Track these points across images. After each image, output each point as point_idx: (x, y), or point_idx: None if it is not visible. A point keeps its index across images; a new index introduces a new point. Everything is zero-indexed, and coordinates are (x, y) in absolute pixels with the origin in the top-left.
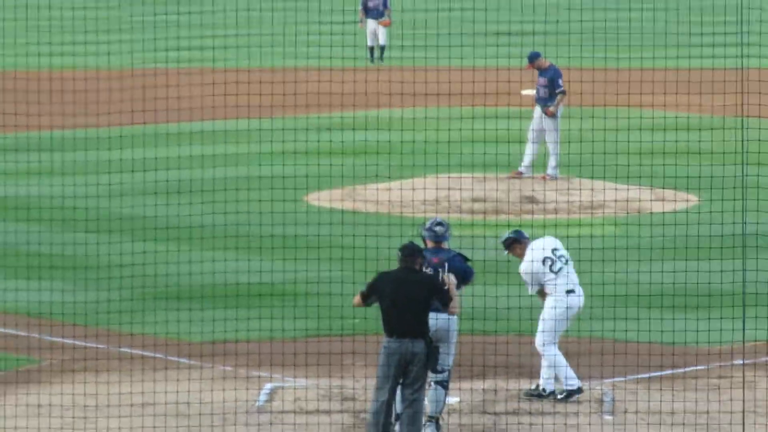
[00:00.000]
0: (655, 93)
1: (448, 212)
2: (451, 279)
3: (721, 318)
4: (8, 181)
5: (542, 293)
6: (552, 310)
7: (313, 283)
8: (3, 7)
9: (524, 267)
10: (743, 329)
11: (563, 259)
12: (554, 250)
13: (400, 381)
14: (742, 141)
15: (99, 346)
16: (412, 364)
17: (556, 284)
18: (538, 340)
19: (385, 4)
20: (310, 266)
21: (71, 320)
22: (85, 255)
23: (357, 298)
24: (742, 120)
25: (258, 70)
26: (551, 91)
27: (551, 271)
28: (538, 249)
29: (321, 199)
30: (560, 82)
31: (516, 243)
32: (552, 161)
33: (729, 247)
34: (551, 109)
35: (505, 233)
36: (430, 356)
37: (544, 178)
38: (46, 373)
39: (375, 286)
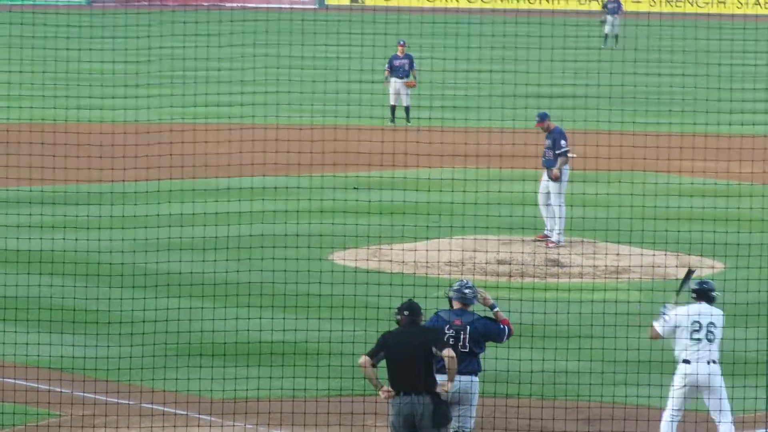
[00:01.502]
0: (683, 159)
1: (473, 274)
2: (449, 353)
3: (745, 386)
4: (34, 234)
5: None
6: (677, 376)
7: (336, 343)
8: (32, 60)
9: (678, 308)
10: (767, 398)
11: (711, 335)
12: (711, 323)
13: None
14: None
15: (121, 401)
16: (420, 421)
17: (686, 350)
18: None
19: (411, 65)
20: (334, 325)
21: (93, 375)
22: (108, 310)
23: (363, 359)
24: None
25: (286, 128)
26: (554, 153)
27: (690, 337)
28: (696, 309)
29: (346, 258)
30: (563, 143)
31: (695, 296)
32: (557, 226)
33: (754, 315)
34: (555, 171)
35: (704, 282)
36: (436, 412)
37: (547, 245)
38: (66, 428)
39: (380, 345)
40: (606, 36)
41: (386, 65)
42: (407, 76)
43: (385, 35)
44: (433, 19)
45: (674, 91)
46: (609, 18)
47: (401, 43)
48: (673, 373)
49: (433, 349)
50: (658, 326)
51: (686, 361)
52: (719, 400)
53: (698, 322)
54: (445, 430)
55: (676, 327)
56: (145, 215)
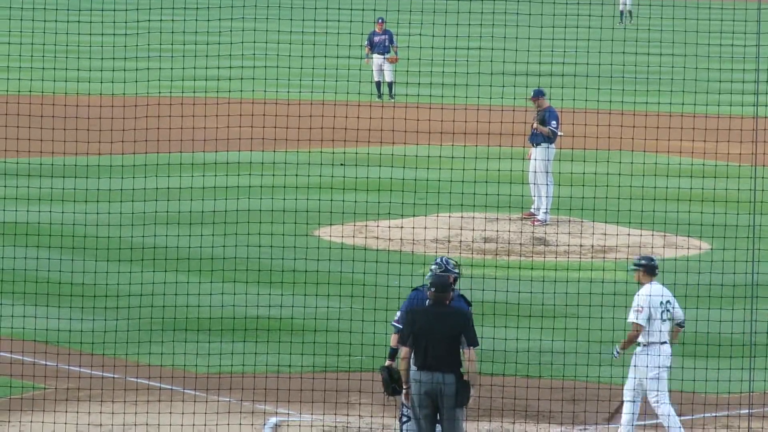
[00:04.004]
0: (671, 138)
1: (459, 251)
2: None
3: (731, 369)
4: (21, 206)
5: (631, 339)
6: (654, 359)
7: (321, 319)
8: (21, 32)
9: (644, 290)
10: (750, 379)
11: (669, 315)
12: (668, 302)
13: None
14: (754, 190)
15: (105, 374)
16: (441, 397)
17: (660, 331)
18: (653, 399)
19: (390, 40)
20: (319, 301)
21: (78, 348)
22: (94, 283)
23: (404, 350)
24: (755, 168)
25: (273, 102)
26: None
27: (661, 317)
28: (660, 290)
29: (332, 234)
30: (553, 123)
31: (644, 270)
32: (544, 205)
33: (740, 297)
34: (542, 127)
35: (642, 257)
36: (459, 391)
37: (533, 223)
38: (50, 401)
39: (408, 324)
40: (621, 13)
41: (366, 42)
42: (388, 52)
43: (374, 11)
44: None
45: (663, 70)
46: None
47: (380, 20)
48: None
49: (462, 338)
50: (636, 319)
51: (664, 343)
52: (666, 380)
53: (664, 302)
54: (466, 409)
55: (652, 311)
56: (131, 189)
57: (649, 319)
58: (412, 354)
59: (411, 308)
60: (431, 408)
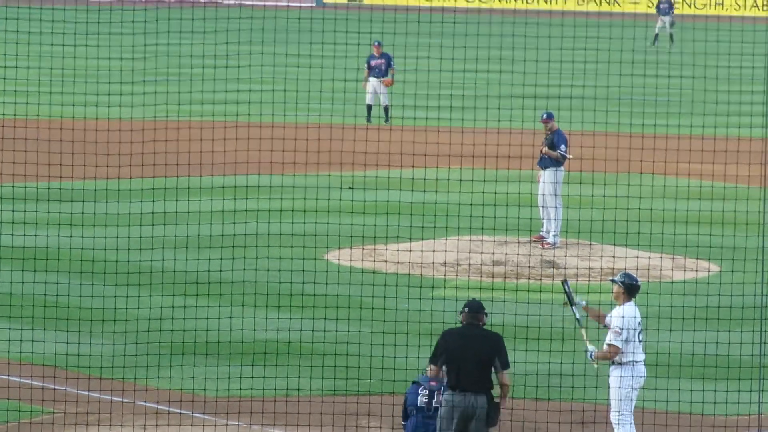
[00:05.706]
0: (679, 161)
1: (469, 275)
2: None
3: (739, 391)
4: (29, 230)
5: (606, 357)
6: (626, 378)
7: (331, 343)
8: (29, 56)
9: (620, 312)
10: (759, 401)
11: (644, 334)
12: (640, 322)
13: None
14: (763, 212)
15: (115, 399)
16: (473, 419)
17: (634, 352)
18: (614, 417)
19: (389, 64)
20: (329, 325)
21: (88, 372)
22: (103, 307)
23: (433, 371)
24: (764, 190)
25: (282, 126)
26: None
27: (638, 339)
28: (634, 310)
29: (341, 257)
30: (562, 147)
31: (626, 290)
32: (553, 228)
33: (749, 319)
34: (551, 152)
35: (625, 274)
36: (490, 412)
37: (543, 246)
38: (60, 425)
39: (441, 344)
40: (656, 35)
41: (365, 65)
42: (384, 76)
43: (382, 33)
44: (430, 18)
45: (671, 92)
46: (660, 18)
47: (376, 44)
48: (621, 375)
49: (496, 361)
50: (617, 342)
51: (638, 362)
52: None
53: (640, 323)
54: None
55: (629, 330)
56: (139, 212)
57: (626, 340)
58: (446, 374)
59: (447, 329)
60: (461, 428)
